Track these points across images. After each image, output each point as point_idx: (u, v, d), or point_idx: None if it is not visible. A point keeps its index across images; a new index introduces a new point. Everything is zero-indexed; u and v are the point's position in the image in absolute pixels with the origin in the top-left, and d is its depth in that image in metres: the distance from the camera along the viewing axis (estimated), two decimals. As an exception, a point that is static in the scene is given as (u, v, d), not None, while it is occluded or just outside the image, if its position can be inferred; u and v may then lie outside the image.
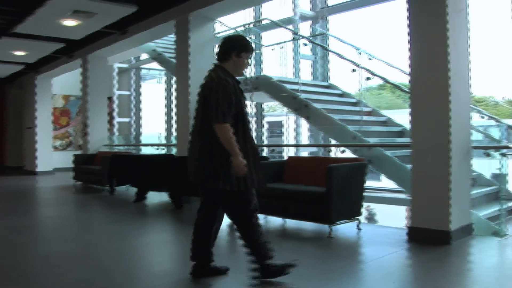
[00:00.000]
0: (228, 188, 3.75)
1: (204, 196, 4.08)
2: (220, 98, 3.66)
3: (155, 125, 15.68)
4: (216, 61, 3.99)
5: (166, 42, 12.12)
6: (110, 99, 15.55)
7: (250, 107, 11.19)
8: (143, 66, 16.62)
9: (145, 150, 12.88)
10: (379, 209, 9.15)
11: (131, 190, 9.88)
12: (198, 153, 3.83)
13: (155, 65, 14.66)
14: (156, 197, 9.12)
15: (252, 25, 9.96)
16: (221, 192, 3.86)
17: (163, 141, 12.59)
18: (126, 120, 16.47)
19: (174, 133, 9.98)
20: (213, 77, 3.80)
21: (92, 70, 12.46)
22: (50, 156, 15.82)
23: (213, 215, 4.10)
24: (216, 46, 3.99)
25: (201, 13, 8.65)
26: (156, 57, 11.93)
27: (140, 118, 16.34)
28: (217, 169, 3.72)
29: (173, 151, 10.30)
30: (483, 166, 6.98)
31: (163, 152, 11.76)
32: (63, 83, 16.33)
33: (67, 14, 8.72)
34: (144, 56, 15.06)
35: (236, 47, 3.89)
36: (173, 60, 10.26)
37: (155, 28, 9.67)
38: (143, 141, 14.19)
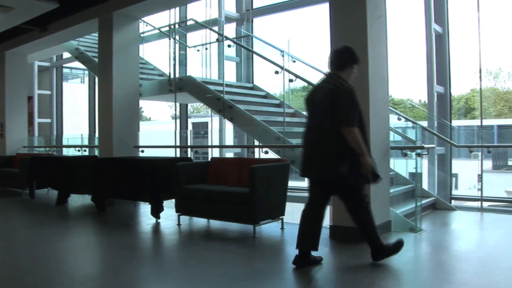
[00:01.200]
0: (352, 184, 4.28)
1: (317, 192, 4.42)
2: (349, 104, 4.14)
3: (77, 126, 15.25)
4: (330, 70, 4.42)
5: (90, 41, 11.81)
6: (30, 98, 14.96)
7: (174, 109, 11.13)
8: (65, 65, 16.15)
9: (67, 152, 12.53)
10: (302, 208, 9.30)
11: (53, 193, 9.57)
12: (322, 151, 4.24)
13: (78, 64, 14.26)
14: (79, 200, 8.91)
15: (177, 26, 9.89)
16: (343, 186, 4.33)
17: (86, 143, 12.27)
18: (47, 120, 15.93)
19: (97, 134, 9.76)
20: (338, 85, 4.21)
21: (10, 68, 11.98)
22: (-36, 158, 15.03)
23: (324, 208, 4.49)
24: (332, 54, 4.47)
25: (125, 12, 8.53)
26: (79, 56, 11.60)
27: (62, 118, 15.87)
28: (343, 166, 4.15)
29: (96, 152, 10.08)
30: (401, 166, 7.27)
31: (86, 153, 11.50)
32: (-22, 81, 15.56)
33: (-19, 7, 8.31)
34: (66, 55, 14.63)
35: (354, 59, 4.39)
36: (96, 60, 10.04)
37: (78, 26, 9.45)
38: (65, 143, 13.77)
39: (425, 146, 6.26)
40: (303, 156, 4.45)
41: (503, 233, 5.88)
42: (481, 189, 7.69)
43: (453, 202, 7.85)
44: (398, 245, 4.50)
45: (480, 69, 8.03)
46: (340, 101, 4.13)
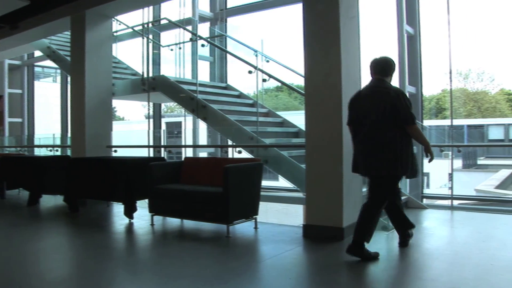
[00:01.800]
0: (409, 176, 4.78)
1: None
2: (408, 105, 4.57)
3: (49, 125, 15.04)
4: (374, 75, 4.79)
5: (62, 39, 11.66)
6: (0, 97, 14.75)
7: (147, 108, 11.07)
8: (36, 64, 15.92)
9: (38, 152, 12.37)
10: (276, 207, 9.35)
11: (24, 194, 9.44)
12: (381, 149, 4.56)
13: (50, 63, 14.06)
14: (51, 201, 8.79)
15: (150, 25, 9.83)
16: (387, 178, 4.65)
17: (58, 142, 12.13)
18: (18, 120, 15.69)
19: (69, 134, 9.66)
20: (391, 88, 4.67)
21: (-21, 67, 11.79)
22: None
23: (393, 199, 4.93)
24: (377, 62, 4.81)
25: (98, 11, 8.45)
26: (51, 54, 11.45)
27: (33, 118, 15.65)
28: (406, 159, 4.59)
29: (69, 152, 9.98)
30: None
31: (58, 153, 11.37)
32: None
33: None
34: (38, 53, 14.43)
35: (394, 68, 4.86)
36: (68, 58, 9.92)
37: (49, 24, 9.31)
38: (36, 142, 13.60)
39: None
40: (362, 155, 4.72)
41: (472, 231, 5.99)
42: (451, 188, 7.81)
43: (425, 201, 7.95)
44: (374, 257, 4.58)
45: (451, 70, 8.20)
46: (401, 103, 4.52)
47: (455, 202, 7.82)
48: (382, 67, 4.77)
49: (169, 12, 13.34)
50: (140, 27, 9.79)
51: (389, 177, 4.65)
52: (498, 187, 15.77)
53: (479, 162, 20.11)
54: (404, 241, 5.02)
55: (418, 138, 4.65)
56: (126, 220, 6.77)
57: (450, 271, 4.28)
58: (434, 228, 6.23)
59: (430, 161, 4.73)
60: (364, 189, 6.45)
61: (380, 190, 4.69)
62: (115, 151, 8.81)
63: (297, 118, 8.23)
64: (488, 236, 5.62)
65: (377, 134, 4.57)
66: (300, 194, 7.89)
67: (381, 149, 4.56)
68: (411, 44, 8.17)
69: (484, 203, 9.17)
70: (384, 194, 4.71)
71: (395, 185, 4.84)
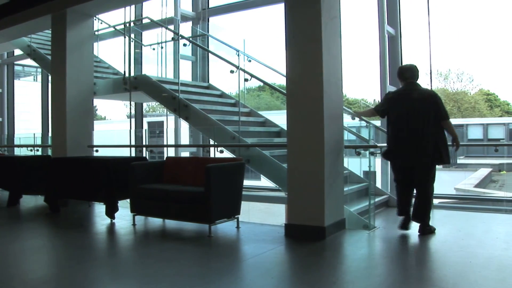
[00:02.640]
0: (450, 162, 5.69)
1: (408, 176, 5.70)
2: (443, 103, 5.62)
3: (30, 125, 14.90)
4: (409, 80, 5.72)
5: (42, 38, 11.57)
6: (-20, 97, 14.60)
7: (130, 108, 11.00)
8: (17, 62, 15.75)
9: (19, 152, 12.26)
10: (258, 207, 9.37)
11: (4, 194, 9.34)
12: (429, 141, 5.46)
13: (31, 61, 13.92)
14: (31, 201, 8.72)
15: (132, 24, 9.78)
16: (430, 165, 5.59)
17: (38, 142, 12.02)
18: (-2, 119, 15.56)
19: (50, 133, 9.57)
20: (428, 90, 5.78)
21: (-42, 66, 11.64)
22: None
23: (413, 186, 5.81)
24: (410, 69, 5.77)
25: (79, 9, 8.39)
26: (31, 53, 11.34)
27: (13, 117, 15.49)
28: (446, 149, 5.55)
29: (49, 152, 9.90)
30: (355, 164, 7.40)
31: (39, 153, 11.28)
32: None
33: None
34: (18, 52, 14.28)
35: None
36: (49, 57, 9.84)
37: (30, 22, 9.20)
38: (16, 142, 13.47)
39: (378, 145, 6.39)
40: (404, 147, 5.58)
41: (452, 229, 6.06)
42: (431, 187, 7.88)
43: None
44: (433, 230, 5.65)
45: (431, 71, 8.27)
46: (439, 101, 5.55)
47: (435, 201, 7.89)
48: (415, 72, 5.72)
49: (151, 11, 13.32)
50: (122, 26, 9.73)
51: (436, 163, 5.62)
52: (477, 185, 16.00)
53: (459, 161, 20.34)
54: (405, 224, 5.75)
55: (451, 131, 5.62)
56: (107, 220, 6.74)
57: (430, 269, 4.34)
58: (415, 227, 6.28)
59: (456, 150, 5.71)
60: (346, 188, 6.52)
61: (431, 174, 5.60)
62: (97, 150, 8.76)
63: (279, 118, 8.25)
64: (467, 234, 5.70)
65: (428, 128, 5.43)
66: (282, 194, 7.91)
67: (433, 140, 5.44)
68: (392, 45, 8.24)
69: (464, 202, 9.29)
70: (434, 176, 5.64)
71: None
